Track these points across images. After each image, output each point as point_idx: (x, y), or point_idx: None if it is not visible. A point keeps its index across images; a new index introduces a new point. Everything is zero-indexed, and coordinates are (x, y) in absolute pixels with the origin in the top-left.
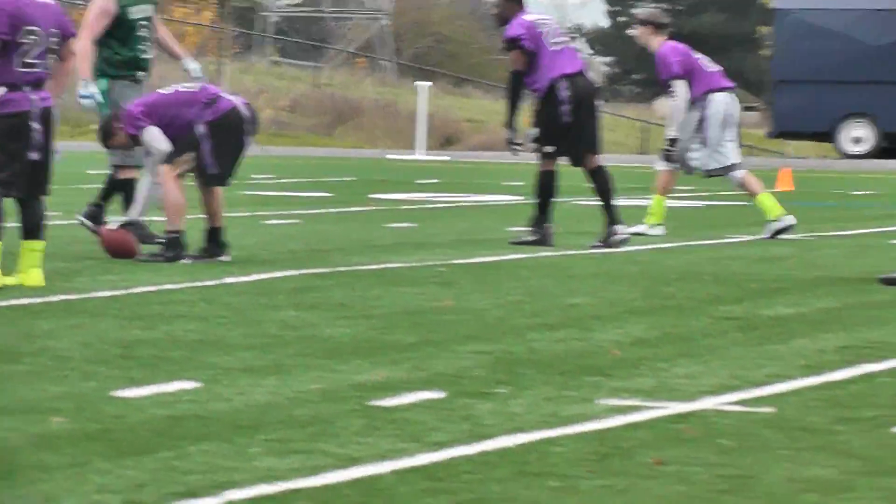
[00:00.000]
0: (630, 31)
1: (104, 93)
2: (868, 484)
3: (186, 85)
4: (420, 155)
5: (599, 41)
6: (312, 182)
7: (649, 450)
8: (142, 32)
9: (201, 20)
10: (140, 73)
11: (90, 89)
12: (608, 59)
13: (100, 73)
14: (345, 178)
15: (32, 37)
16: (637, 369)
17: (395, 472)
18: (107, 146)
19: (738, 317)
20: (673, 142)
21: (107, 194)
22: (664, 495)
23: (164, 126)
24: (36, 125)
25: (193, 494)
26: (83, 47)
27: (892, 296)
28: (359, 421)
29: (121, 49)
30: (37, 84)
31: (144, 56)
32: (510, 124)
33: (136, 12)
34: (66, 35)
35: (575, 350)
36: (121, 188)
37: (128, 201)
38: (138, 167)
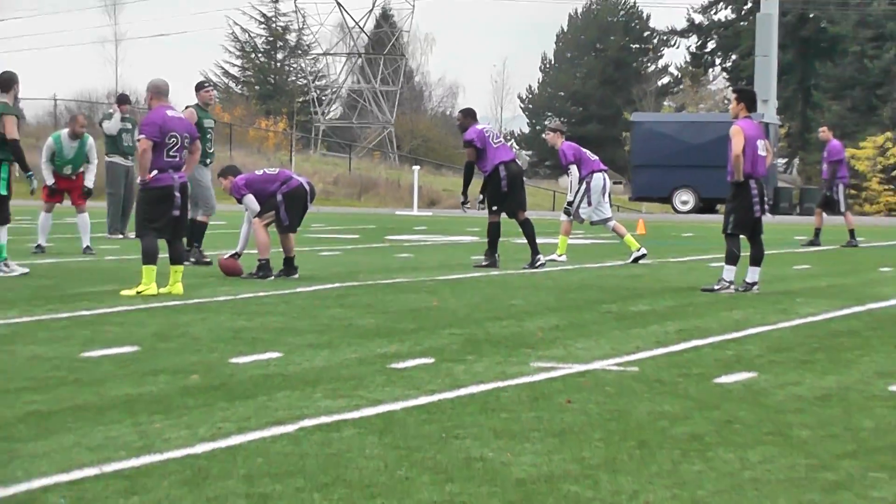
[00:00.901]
0: (544, 135)
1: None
2: (699, 415)
3: (269, 169)
4: (415, 211)
5: (524, 141)
6: (348, 228)
7: (563, 394)
8: (209, 136)
9: (278, 128)
10: (207, 160)
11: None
12: (529, 151)
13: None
14: (368, 226)
15: (173, 139)
16: (553, 344)
17: (404, 409)
18: (218, 177)
19: (615, 312)
20: (570, 203)
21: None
22: (573, 422)
23: (256, 193)
24: (177, 194)
25: (281, 423)
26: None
27: (709, 299)
28: (381, 377)
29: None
30: (176, 168)
31: (210, 150)
32: (464, 193)
33: (206, 123)
34: (194, 137)
35: (515, 333)
36: (198, 229)
37: (192, 238)
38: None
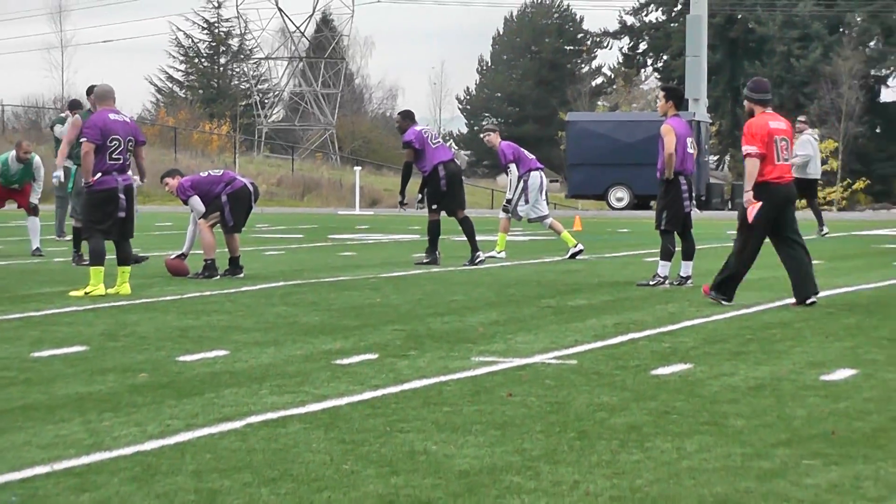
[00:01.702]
0: (482, 135)
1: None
2: (637, 406)
3: (214, 171)
4: (357, 211)
5: (462, 141)
6: (292, 228)
7: (504, 387)
8: None
9: (222, 131)
10: None
11: (59, 172)
12: (468, 151)
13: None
14: (312, 226)
15: (115, 142)
16: (494, 339)
17: (349, 404)
18: (161, 180)
19: (553, 306)
20: (508, 201)
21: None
22: (514, 415)
23: (202, 195)
24: (121, 196)
25: (228, 419)
26: (61, 149)
27: (644, 293)
28: (326, 373)
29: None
30: (120, 170)
31: None
32: (402, 193)
33: None
34: (138, 141)
35: (455, 328)
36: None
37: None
38: None
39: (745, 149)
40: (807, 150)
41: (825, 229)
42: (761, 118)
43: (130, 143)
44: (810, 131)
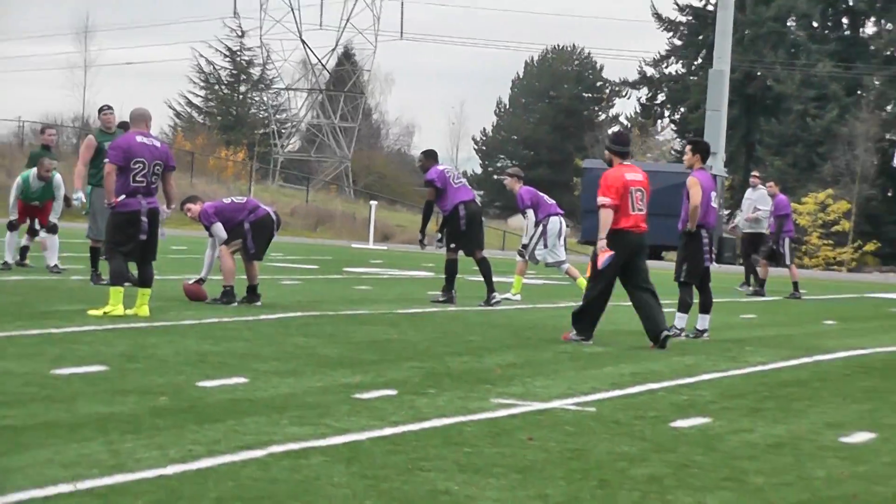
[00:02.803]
0: (502, 179)
1: (89, 195)
2: (657, 457)
3: (237, 198)
4: (371, 245)
5: (476, 181)
6: (306, 258)
7: (523, 431)
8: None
9: (237, 158)
10: None
11: (79, 194)
12: (481, 192)
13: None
14: (326, 257)
15: (139, 165)
16: (512, 381)
17: (370, 439)
18: (181, 207)
19: (569, 352)
20: (524, 246)
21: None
22: (535, 459)
23: (225, 221)
24: (143, 218)
25: (249, 447)
26: (77, 170)
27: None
28: (345, 406)
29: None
30: (145, 193)
31: None
32: (422, 231)
33: (108, 145)
34: (168, 166)
35: (474, 368)
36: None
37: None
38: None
39: (600, 199)
40: (766, 206)
41: (749, 288)
42: (618, 170)
43: (157, 167)
44: (763, 186)
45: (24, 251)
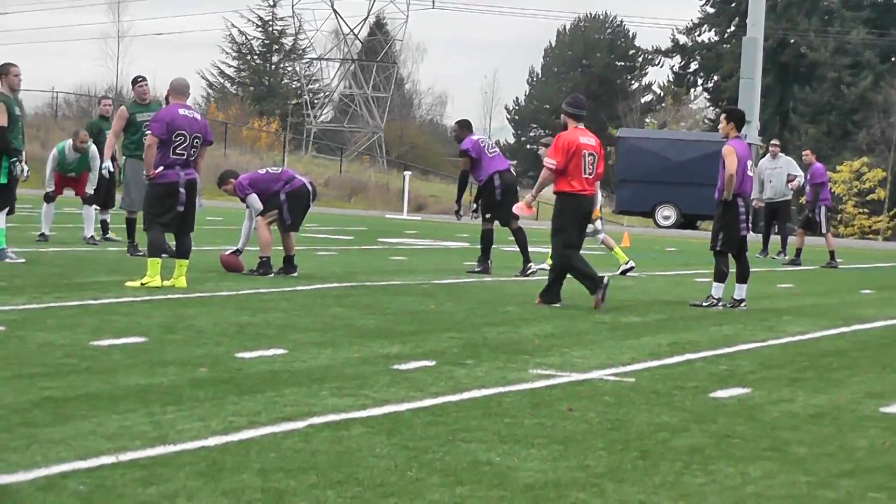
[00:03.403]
0: (536, 148)
1: (122, 166)
2: (698, 428)
3: (272, 168)
4: (405, 216)
5: (509, 150)
6: (341, 230)
7: (563, 401)
8: (145, 129)
9: (270, 129)
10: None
11: (107, 163)
12: (514, 161)
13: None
14: (360, 228)
15: (180, 137)
16: (550, 352)
17: (410, 410)
18: (219, 187)
19: (608, 322)
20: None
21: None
22: (575, 430)
23: (260, 192)
24: (182, 190)
25: (290, 419)
26: (108, 141)
27: (698, 314)
28: (385, 378)
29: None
30: (184, 165)
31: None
32: (458, 202)
33: (140, 118)
34: (206, 138)
35: (512, 339)
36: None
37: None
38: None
39: (547, 161)
40: (797, 171)
41: (785, 257)
42: (573, 133)
43: (197, 140)
44: (782, 154)
45: (104, 225)
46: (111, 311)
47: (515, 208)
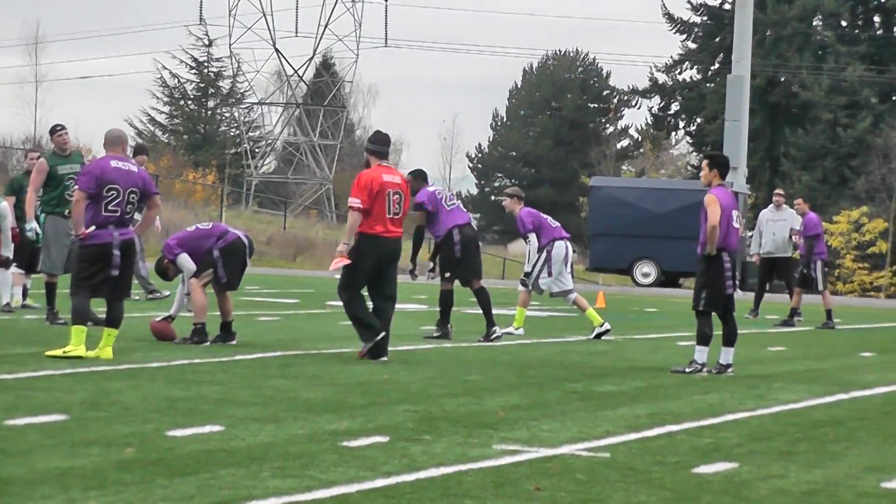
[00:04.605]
0: (502, 202)
1: (42, 224)
2: None
3: (202, 224)
4: None
5: (472, 203)
6: (285, 292)
7: (530, 480)
8: (67, 183)
9: (207, 181)
10: (66, 211)
11: (32, 224)
12: (477, 215)
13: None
14: (307, 290)
15: (112, 192)
16: (516, 425)
17: (360, 492)
18: (167, 279)
19: (580, 391)
20: (527, 274)
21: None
22: None
23: (191, 251)
24: (115, 252)
25: (226, 503)
26: (28, 197)
27: (680, 381)
28: (333, 456)
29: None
30: (118, 224)
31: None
32: (412, 260)
33: (62, 170)
34: (146, 192)
35: (473, 411)
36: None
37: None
38: None
39: (352, 201)
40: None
41: (800, 318)
42: (376, 171)
43: (133, 196)
44: (786, 206)
45: (24, 291)
46: (28, 387)
47: (333, 263)
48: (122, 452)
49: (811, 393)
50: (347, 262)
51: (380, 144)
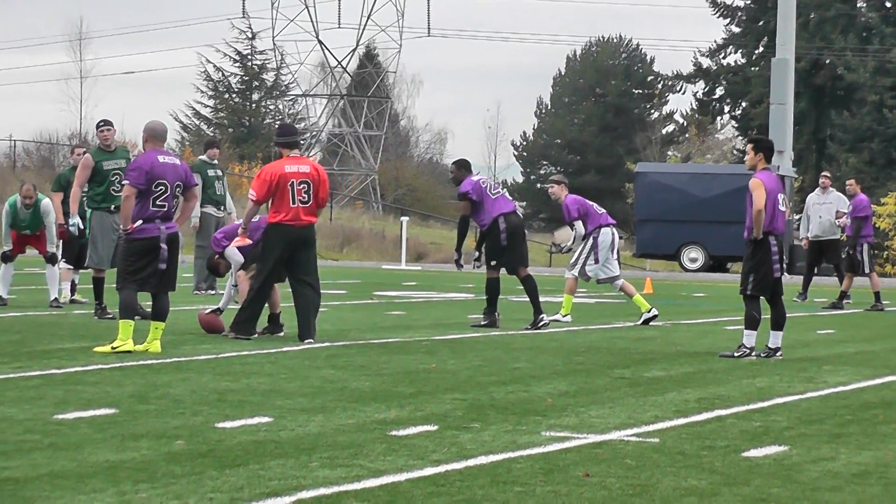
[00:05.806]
0: (548, 189)
1: (87, 220)
2: (728, 491)
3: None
4: (403, 266)
5: (517, 191)
6: (332, 283)
7: (579, 466)
8: (113, 178)
9: (252, 175)
10: (112, 206)
11: (75, 219)
12: (523, 202)
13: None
14: (353, 281)
15: (161, 187)
16: (564, 412)
17: (409, 480)
18: (218, 275)
19: (628, 377)
20: (568, 249)
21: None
22: (593, 498)
23: (239, 245)
24: (163, 245)
25: (276, 494)
26: (73, 193)
27: (728, 365)
28: (381, 445)
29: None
30: (165, 218)
31: (116, 193)
32: (458, 250)
33: (106, 166)
34: (188, 185)
35: (521, 398)
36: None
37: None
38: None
39: (250, 192)
40: (846, 208)
41: (849, 300)
42: (279, 163)
43: (178, 189)
44: (833, 189)
45: (73, 286)
46: (77, 381)
47: (233, 243)
48: (172, 445)
49: (860, 375)
50: (249, 242)
51: (286, 136)
